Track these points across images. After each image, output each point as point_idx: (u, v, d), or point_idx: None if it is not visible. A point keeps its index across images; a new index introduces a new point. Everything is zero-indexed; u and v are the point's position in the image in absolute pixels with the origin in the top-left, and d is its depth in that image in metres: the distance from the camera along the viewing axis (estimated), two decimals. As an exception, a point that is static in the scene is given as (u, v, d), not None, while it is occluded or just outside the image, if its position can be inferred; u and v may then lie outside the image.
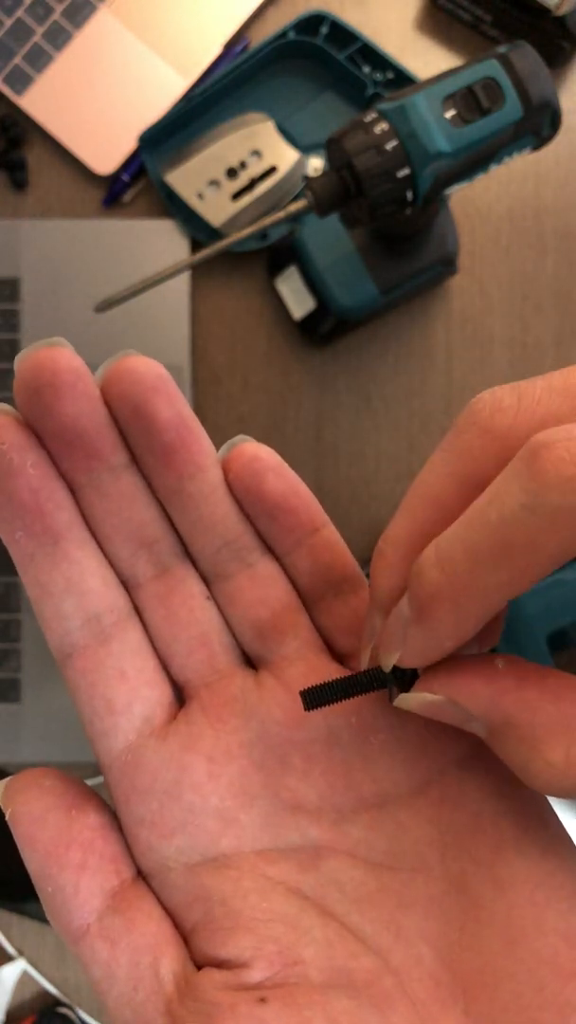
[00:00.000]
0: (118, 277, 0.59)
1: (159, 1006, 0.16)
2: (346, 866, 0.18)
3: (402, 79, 0.58)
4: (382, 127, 0.41)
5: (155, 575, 0.19)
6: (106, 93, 0.59)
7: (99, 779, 0.58)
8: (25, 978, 0.59)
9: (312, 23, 0.58)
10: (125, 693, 0.19)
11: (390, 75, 0.58)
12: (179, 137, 0.59)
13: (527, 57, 0.42)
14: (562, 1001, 0.16)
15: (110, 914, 0.17)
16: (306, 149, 0.60)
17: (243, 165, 0.58)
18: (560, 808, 0.53)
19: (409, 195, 0.43)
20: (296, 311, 0.58)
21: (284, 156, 0.58)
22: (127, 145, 0.59)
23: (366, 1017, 0.16)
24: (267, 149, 0.58)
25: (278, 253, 0.58)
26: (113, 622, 0.19)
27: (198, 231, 0.59)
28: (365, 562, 0.51)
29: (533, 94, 0.42)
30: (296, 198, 0.53)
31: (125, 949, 0.17)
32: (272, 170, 0.58)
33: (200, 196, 0.58)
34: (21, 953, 0.59)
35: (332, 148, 0.43)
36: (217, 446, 0.53)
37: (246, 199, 0.58)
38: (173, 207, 0.59)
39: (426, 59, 0.61)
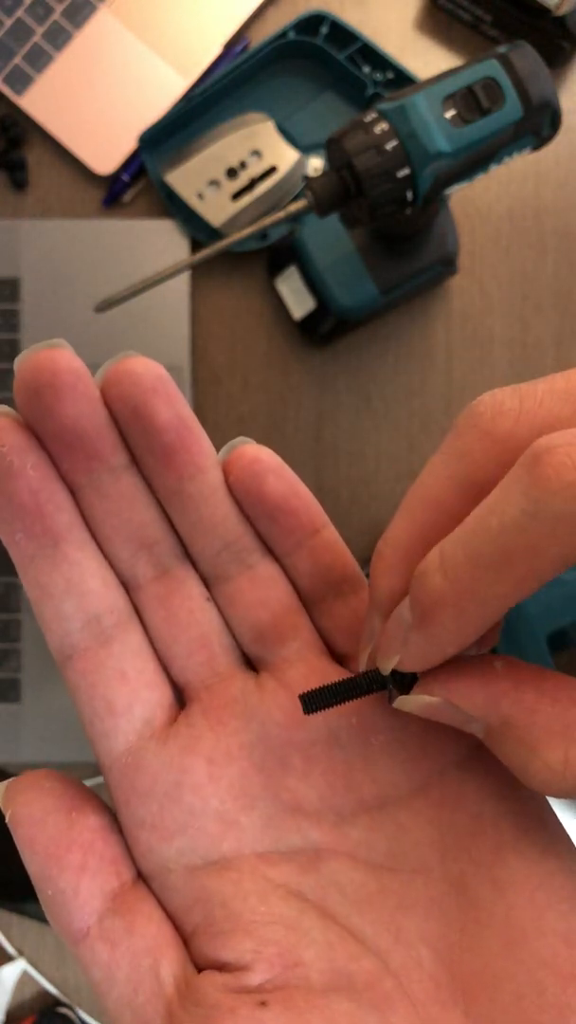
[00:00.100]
0: (118, 277, 0.59)
1: (159, 1008, 0.16)
2: (346, 868, 0.18)
3: (402, 79, 0.58)
4: (382, 127, 0.41)
5: (155, 576, 0.19)
6: (106, 93, 0.59)
7: (99, 779, 0.58)
8: (25, 978, 0.59)
9: (312, 23, 0.58)
10: (125, 695, 0.19)
11: (390, 75, 0.58)
12: (179, 137, 0.59)
13: (527, 57, 0.42)
14: (562, 1003, 0.16)
15: (110, 916, 0.17)
16: (306, 149, 0.60)
17: (243, 165, 0.58)
18: (559, 808, 0.53)
19: (409, 195, 0.43)
20: (296, 311, 0.58)
21: (284, 156, 0.58)
22: (127, 145, 0.59)
23: (366, 1019, 0.16)
24: (267, 149, 0.58)
25: (278, 253, 0.58)
26: (113, 623, 0.19)
27: (198, 231, 0.59)
28: (365, 562, 0.51)
29: (533, 94, 0.42)
30: (296, 198, 0.53)
31: (125, 951, 0.17)
32: (272, 170, 0.58)
33: (200, 196, 0.58)
34: (21, 953, 0.59)
35: (332, 148, 0.43)
36: (217, 446, 0.53)
37: (246, 199, 0.58)
38: (173, 207, 0.59)
39: (426, 59, 0.61)
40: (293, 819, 0.18)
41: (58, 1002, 0.58)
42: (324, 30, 0.57)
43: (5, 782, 0.19)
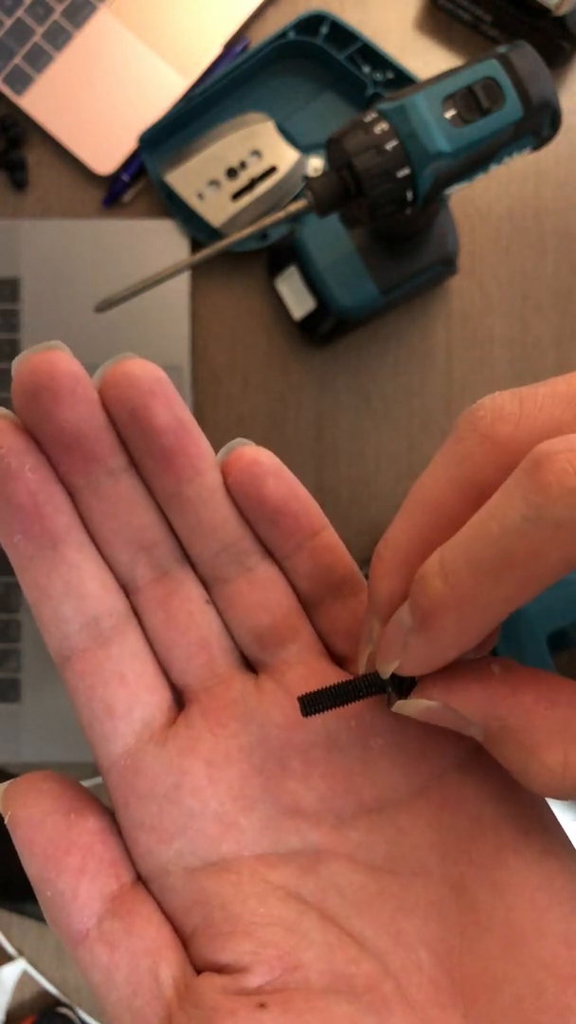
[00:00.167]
0: (118, 277, 0.59)
1: (158, 1011, 0.16)
2: (346, 870, 0.18)
3: (402, 79, 0.58)
4: (382, 127, 0.41)
5: (154, 579, 0.19)
6: (106, 93, 0.59)
7: (98, 780, 0.58)
8: (25, 978, 0.59)
9: (312, 23, 0.58)
10: (124, 697, 0.19)
11: (390, 75, 0.58)
12: (179, 137, 0.59)
13: (527, 57, 0.42)
14: (562, 1005, 0.16)
15: (109, 918, 0.17)
16: (306, 149, 0.60)
17: (243, 165, 0.58)
18: (559, 810, 0.53)
19: (409, 195, 0.43)
20: (296, 311, 0.58)
21: (284, 156, 0.58)
22: (127, 145, 0.59)
23: (365, 1021, 0.16)
24: (267, 149, 0.58)
25: (278, 253, 0.58)
26: (112, 625, 0.19)
27: (198, 231, 0.59)
28: (365, 562, 0.51)
29: (533, 94, 0.42)
30: (296, 198, 0.53)
31: (124, 953, 0.17)
32: (272, 170, 0.58)
33: (200, 196, 0.58)
34: (21, 953, 0.59)
35: (332, 148, 0.43)
36: (218, 446, 0.53)
37: (246, 199, 0.58)
38: (173, 207, 0.59)
39: (426, 59, 0.61)
40: (292, 821, 0.18)
41: (58, 1002, 0.58)
42: (324, 30, 0.57)
43: (4, 784, 0.19)
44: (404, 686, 0.18)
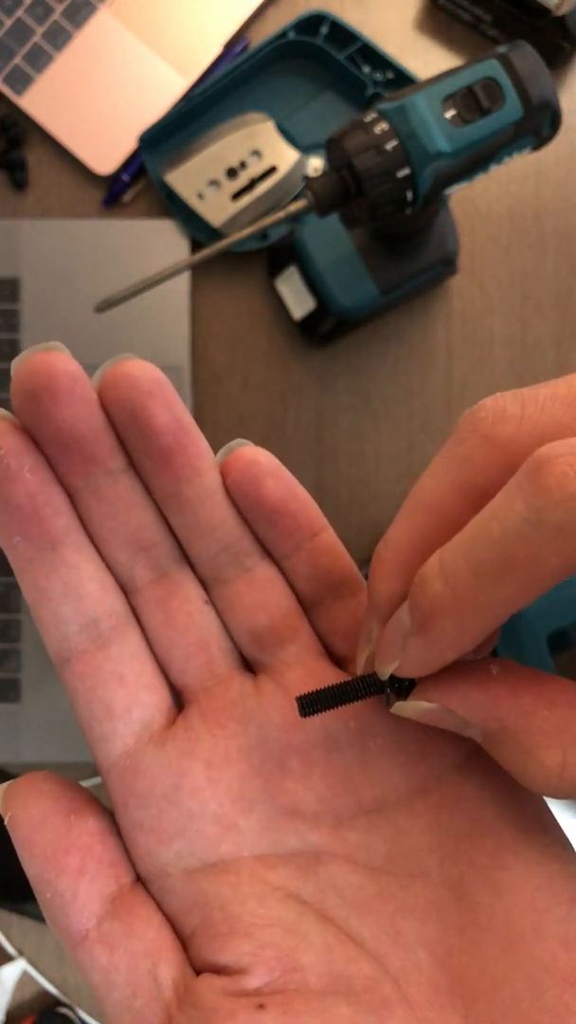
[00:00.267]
0: (118, 277, 0.59)
1: (158, 1012, 0.16)
2: (345, 871, 0.18)
3: (402, 79, 0.58)
4: (382, 127, 0.41)
5: (153, 579, 0.19)
6: (106, 93, 0.59)
7: (98, 780, 0.58)
8: (25, 978, 0.59)
9: (312, 23, 0.58)
10: (124, 698, 0.19)
11: (390, 75, 0.58)
12: (179, 137, 0.59)
13: (527, 57, 0.42)
14: (560, 1006, 0.16)
15: (109, 919, 0.17)
16: (306, 149, 0.59)
17: (243, 165, 0.58)
18: (559, 810, 0.53)
19: (409, 195, 0.43)
20: (296, 311, 0.58)
21: (284, 156, 0.58)
22: (127, 145, 0.59)
23: (365, 1022, 0.16)
24: (267, 149, 0.58)
25: (278, 253, 0.58)
26: (111, 626, 0.19)
27: (198, 231, 0.59)
28: (364, 562, 0.51)
29: (533, 94, 0.42)
30: (296, 198, 0.53)
31: (124, 954, 0.17)
32: (272, 170, 0.58)
33: (200, 196, 0.58)
34: (21, 953, 0.59)
35: (332, 148, 0.43)
36: (218, 446, 0.53)
37: (246, 199, 0.58)
38: (173, 207, 0.59)
39: (426, 59, 0.61)
40: (291, 822, 0.18)
41: (58, 1002, 0.58)
42: (324, 30, 0.57)
43: (4, 784, 0.19)
44: (403, 687, 0.18)
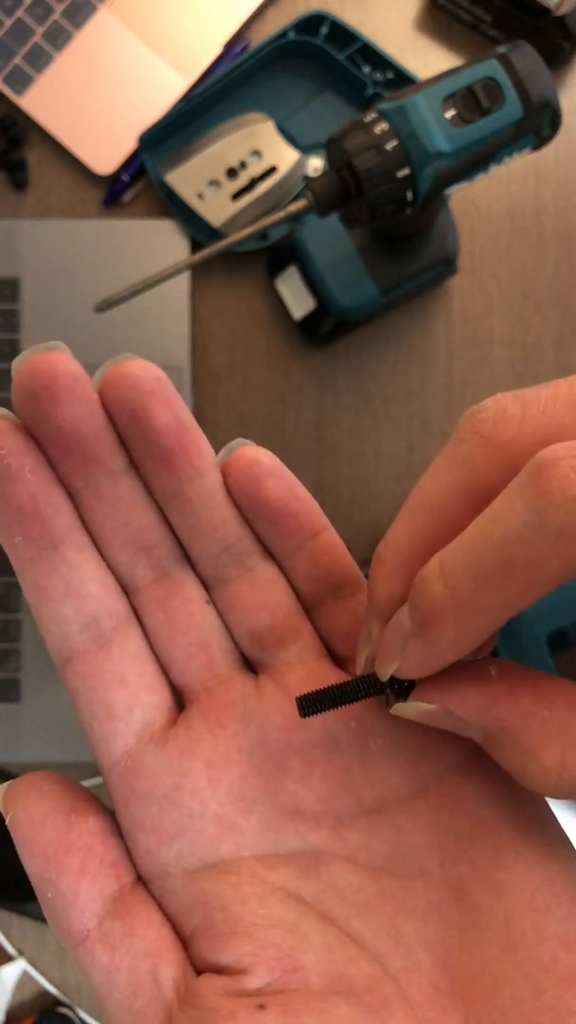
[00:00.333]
0: (118, 277, 0.59)
1: (158, 1012, 0.16)
2: (345, 871, 0.18)
3: (402, 79, 0.58)
4: (382, 127, 0.41)
5: (154, 579, 0.19)
6: (106, 93, 0.59)
7: (98, 780, 0.58)
8: (25, 978, 0.59)
9: (312, 23, 0.58)
10: (125, 698, 0.19)
11: (390, 75, 0.58)
12: (179, 137, 0.59)
13: (527, 57, 0.42)
14: (561, 1006, 0.16)
15: (110, 919, 0.17)
16: (306, 149, 0.59)
17: (243, 165, 0.58)
18: (559, 810, 0.53)
19: (409, 195, 0.43)
20: (296, 311, 0.58)
21: (284, 156, 0.58)
22: (127, 145, 0.59)
23: (365, 1023, 0.16)
24: (267, 149, 0.58)
25: (278, 253, 0.58)
26: (112, 627, 0.19)
27: (198, 231, 0.59)
28: (365, 562, 0.51)
29: (533, 94, 0.42)
30: (296, 198, 0.53)
31: (125, 954, 0.17)
32: (272, 170, 0.58)
33: (200, 196, 0.58)
34: (21, 953, 0.59)
35: (332, 148, 0.43)
36: (218, 446, 0.53)
37: (246, 199, 0.58)
38: (173, 207, 0.59)
39: (426, 59, 0.61)
40: (292, 822, 0.18)
41: (58, 1002, 0.58)
42: (324, 30, 0.57)
43: (5, 784, 0.19)
44: (403, 688, 0.18)
